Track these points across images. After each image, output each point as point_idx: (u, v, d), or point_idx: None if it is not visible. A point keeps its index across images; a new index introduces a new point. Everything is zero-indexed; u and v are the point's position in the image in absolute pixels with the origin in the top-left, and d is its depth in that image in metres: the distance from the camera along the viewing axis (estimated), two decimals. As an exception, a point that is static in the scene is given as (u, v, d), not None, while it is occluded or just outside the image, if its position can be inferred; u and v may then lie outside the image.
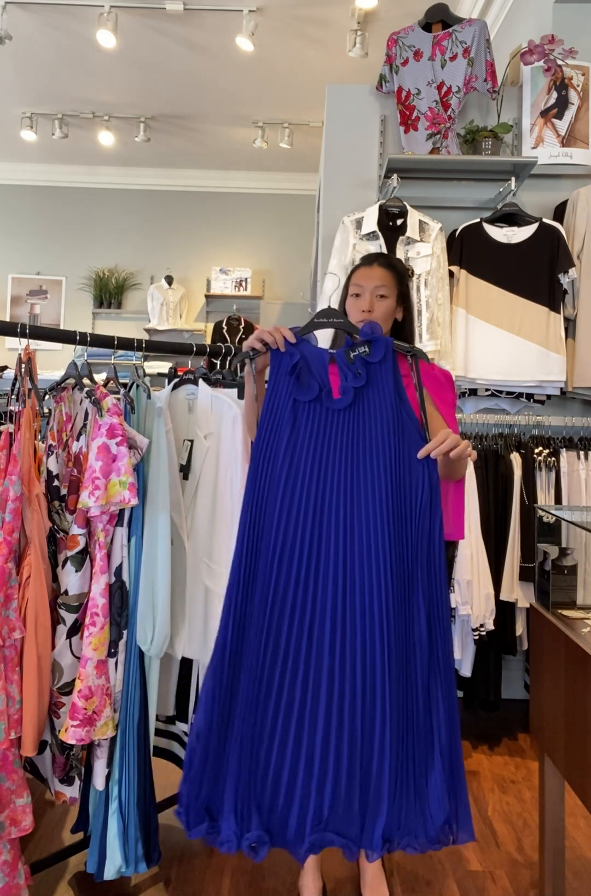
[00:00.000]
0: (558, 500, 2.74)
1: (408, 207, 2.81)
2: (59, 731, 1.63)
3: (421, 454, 1.39)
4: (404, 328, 1.83)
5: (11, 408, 1.68)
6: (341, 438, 1.43)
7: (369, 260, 1.82)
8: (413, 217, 2.80)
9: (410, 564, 1.40)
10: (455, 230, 2.89)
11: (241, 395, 1.92)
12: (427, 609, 1.39)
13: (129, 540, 1.72)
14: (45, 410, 1.89)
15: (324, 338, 1.95)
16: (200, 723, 1.42)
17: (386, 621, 1.35)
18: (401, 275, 1.82)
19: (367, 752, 1.33)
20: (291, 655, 1.38)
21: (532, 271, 2.79)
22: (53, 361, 5.47)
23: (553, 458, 2.75)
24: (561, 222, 2.89)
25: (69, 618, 1.65)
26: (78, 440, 1.74)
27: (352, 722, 1.33)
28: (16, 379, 1.68)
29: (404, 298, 1.81)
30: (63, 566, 1.67)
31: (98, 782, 1.70)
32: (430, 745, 1.36)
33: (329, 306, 1.56)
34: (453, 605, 2.59)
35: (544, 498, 2.76)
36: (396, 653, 1.35)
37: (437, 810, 1.33)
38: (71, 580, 1.65)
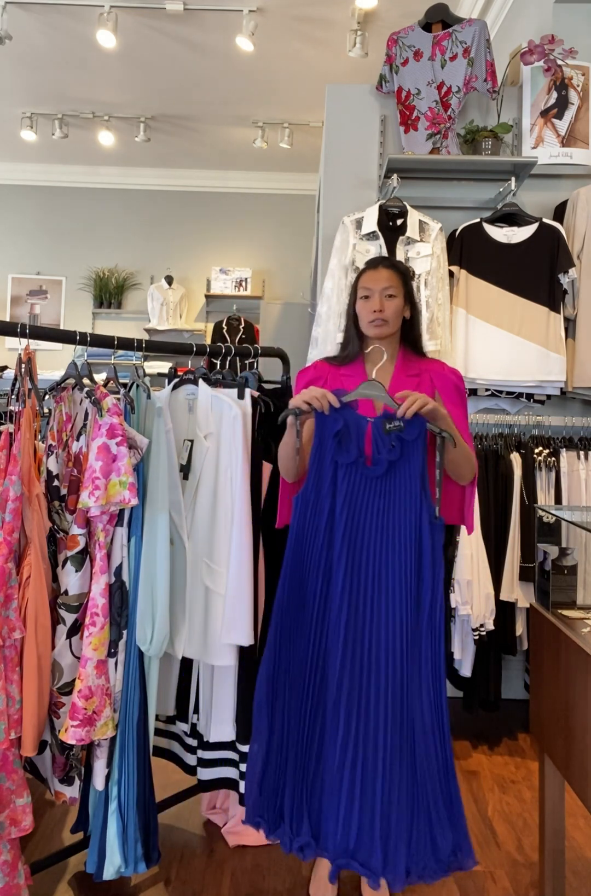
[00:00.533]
0: (558, 500, 2.73)
1: (408, 207, 2.81)
2: (59, 731, 1.63)
3: (400, 411, 1.58)
4: (412, 326, 1.86)
5: (11, 408, 1.68)
6: (374, 501, 1.63)
7: (373, 263, 1.86)
8: (413, 217, 2.80)
9: (420, 617, 1.60)
10: (455, 230, 2.89)
11: (241, 395, 1.92)
12: (433, 659, 1.58)
13: (129, 540, 1.72)
14: (45, 410, 1.89)
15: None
16: (261, 747, 1.64)
17: (405, 673, 1.56)
18: (405, 275, 1.86)
19: (388, 793, 1.52)
20: (319, 684, 1.60)
21: (532, 271, 2.79)
22: (53, 361, 5.47)
23: (553, 458, 2.75)
24: (561, 222, 2.89)
25: (69, 618, 1.65)
26: (78, 440, 1.74)
27: (376, 766, 1.53)
28: (16, 379, 1.68)
29: (410, 297, 1.85)
30: (63, 566, 1.67)
31: (98, 782, 1.70)
32: (435, 784, 1.54)
33: (373, 378, 1.70)
34: (453, 605, 2.59)
35: (544, 498, 2.76)
36: (410, 701, 1.55)
37: (443, 842, 1.52)
38: (71, 580, 1.65)
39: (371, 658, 1.57)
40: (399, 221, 2.81)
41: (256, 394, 2.00)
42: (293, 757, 1.61)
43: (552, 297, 2.78)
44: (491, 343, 2.78)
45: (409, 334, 1.85)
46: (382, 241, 2.77)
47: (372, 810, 1.51)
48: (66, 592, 1.65)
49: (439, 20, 3.08)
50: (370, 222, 2.80)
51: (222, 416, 1.88)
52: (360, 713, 1.56)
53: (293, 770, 1.60)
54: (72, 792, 1.71)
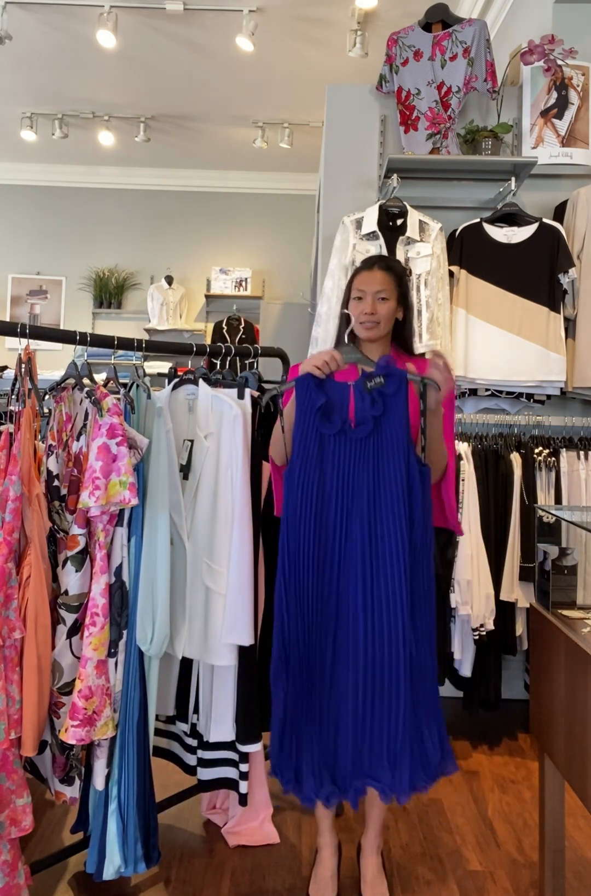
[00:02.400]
0: (558, 500, 2.73)
1: (408, 207, 2.81)
2: (60, 731, 1.63)
3: (441, 395, 1.66)
4: (404, 327, 1.86)
5: (11, 408, 1.68)
6: (363, 463, 1.66)
7: (369, 264, 1.85)
8: (413, 217, 2.80)
9: (416, 559, 1.67)
10: (455, 230, 2.89)
11: (241, 395, 1.92)
12: (427, 593, 1.69)
13: (129, 540, 1.72)
14: (45, 410, 1.89)
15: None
16: (279, 711, 1.72)
17: (404, 611, 1.61)
18: (400, 276, 1.86)
19: (394, 718, 1.63)
20: (329, 645, 1.67)
21: (532, 271, 2.79)
22: (53, 361, 5.47)
23: (553, 458, 2.75)
24: (561, 222, 2.89)
25: (69, 618, 1.65)
26: (78, 440, 1.74)
27: (383, 694, 1.63)
28: (16, 379, 1.68)
29: (403, 299, 1.84)
30: (63, 566, 1.67)
31: (98, 782, 1.70)
32: (428, 706, 1.69)
33: (346, 344, 1.76)
34: (453, 605, 2.59)
35: (544, 498, 2.76)
36: (411, 638, 1.62)
37: (433, 754, 1.68)
38: (71, 580, 1.65)
39: (380, 607, 1.63)
40: (399, 221, 2.81)
41: (257, 394, 2.00)
42: (308, 723, 1.70)
43: (552, 297, 2.77)
44: (491, 343, 2.78)
45: (400, 334, 1.86)
46: (382, 241, 2.77)
47: (380, 736, 1.63)
48: (66, 592, 1.65)
49: (439, 20, 3.08)
50: (370, 222, 2.80)
51: (222, 416, 1.88)
52: (374, 666, 1.63)
53: (309, 735, 1.69)
54: (72, 792, 1.71)
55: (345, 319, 1.86)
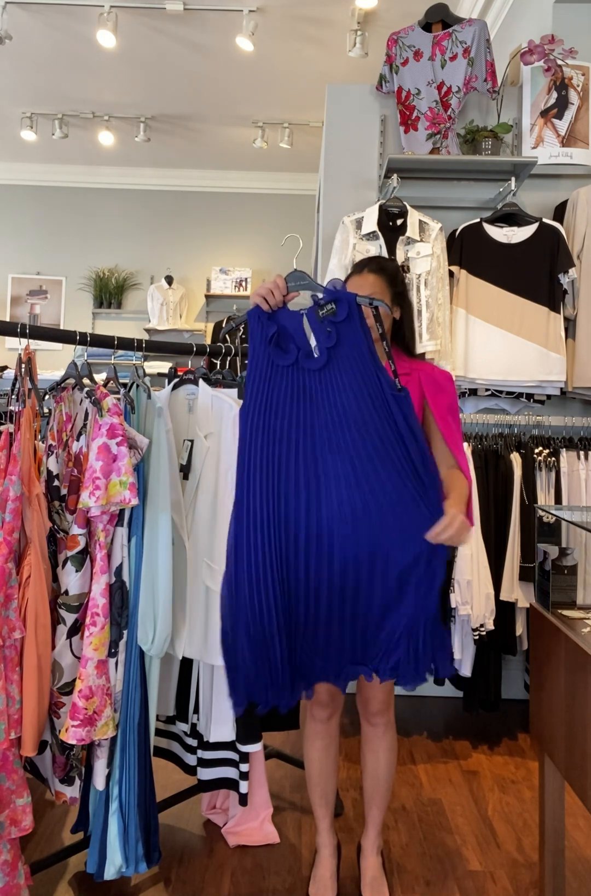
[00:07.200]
0: (558, 500, 2.73)
1: (408, 207, 2.81)
2: (60, 731, 1.63)
3: (430, 535, 1.48)
4: (402, 327, 1.83)
5: (11, 408, 1.68)
6: (322, 395, 1.53)
7: (359, 267, 1.82)
8: (413, 217, 2.80)
9: (423, 480, 1.52)
10: (455, 230, 2.89)
11: (241, 395, 1.92)
12: (421, 460, 1.52)
13: (129, 540, 1.72)
14: (45, 410, 1.89)
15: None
16: (230, 637, 1.56)
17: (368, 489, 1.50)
18: (393, 275, 1.82)
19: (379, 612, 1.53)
20: (288, 563, 1.53)
21: (532, 271, 2.79)
22: (53, 361, 5.47)
23: (553, 458, 2.75)
24: (561, 222, 2.89)
25: (69, 618, 1.65)
26: (78, 440, 1.74)
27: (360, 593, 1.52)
28: (16, 379, 1.68)
29: (400, 298, 1.81)
30: (63, 566, 1.67)
31: (98, 782, 1.70)
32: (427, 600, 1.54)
33: (295, 270, 1.62)
34: (453, 605, 2.59)
35: (544, 498, 2.76)
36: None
37: (425, 657, 1.56)
38: (71, 580, 1.65)
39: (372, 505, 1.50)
40: (399, 221, 2.81)
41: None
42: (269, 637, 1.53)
43: (552, 297, 2.78)
44: (491, 343, 2.78)
45: (398, 334, 1.81)
46: (382, 241, 2.77)
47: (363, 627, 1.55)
48: (66, 592, 1.65)
49: (439, 20, 3.09)
50: (370, 222, 2.80)
51: (222, 416, 1.88)
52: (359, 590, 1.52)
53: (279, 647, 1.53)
54: (72, 792, 1.71)
55: None
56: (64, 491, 1.72)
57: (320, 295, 1.57)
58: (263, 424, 1.54)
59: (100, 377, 2.01)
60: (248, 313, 1.59)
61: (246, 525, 1.54)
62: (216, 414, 1.90)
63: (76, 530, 1.65)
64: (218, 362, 2.14)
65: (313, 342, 1.55)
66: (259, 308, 1.57)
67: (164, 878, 1.90)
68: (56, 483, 1.72)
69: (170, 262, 6.67)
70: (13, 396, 1.69)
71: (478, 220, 2.86)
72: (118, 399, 1.73)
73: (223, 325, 6.32)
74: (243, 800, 1.95)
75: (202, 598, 1.87)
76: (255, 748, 1.93)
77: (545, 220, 2.83)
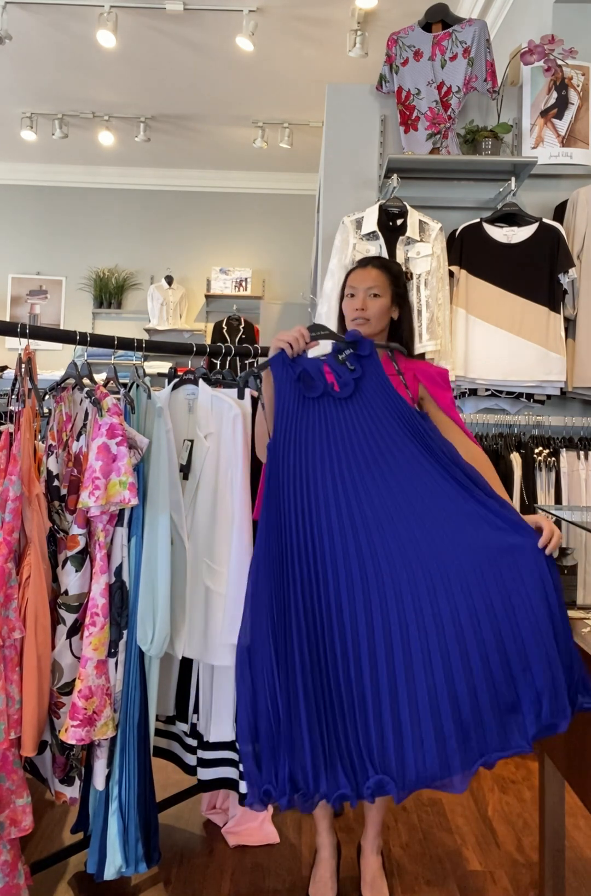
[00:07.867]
0: (558, 500, 2.74)
1: (408, 207, 2.81)
2: (60, 731, 1.63)
3: (543, 543, 1.46)
4: (401, 327, 1.85)
5: (11, 408, 1.68)
6: (353, 425, 1.58)
7: (364, 262, 1.86)
8: (413, 217, 2.80)
9: (468, 491, 1.52)
10: (455, 230, 2.89)
11: (241, 395, 1.92)
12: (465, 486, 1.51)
13: (129, 540, 1.72)
14: (45, 410, 1.89)
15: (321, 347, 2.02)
16: (256, 708, 1.46)
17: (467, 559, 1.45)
18: (397, 276, 1.85)
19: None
20: (346, 617, 1.44)
21: (532, 271, 2.78)
22: (53, 361, 5.47)
23: (553, 458, 2.75)
24: (561, 222, 2.89)
25: (69, 618, 1.65)
26: (78, 440, 1.74)
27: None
28: (16, 379, 1.68)
29: (400, 299, 1.84)
30: (63, 566, 1.67)
31: (98, 782, 1.70)
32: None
33: (314, 323, 1.77)
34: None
35: (544, 498, 2.76)
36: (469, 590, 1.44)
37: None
38: (71, 580, 1.65)
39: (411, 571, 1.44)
40: (399, 221, 2.81)
41: (256, 393, 2.00)
42: (305, 708, 1.41)
43: (552, 297, 2.77)
44: (491, 343, 2.78)
45: (396, 335, 1.84)
46: (382, 241, 2.77)
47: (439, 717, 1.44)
48: (66, 592, 1.65)
49: (439, 20, 3.08)
50: (370, 222, 2.80)
51: (222, 416, 1.88)
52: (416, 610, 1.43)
53: (317, 723, 1.41)
54: (72, 792, 1.71)
55: (340, 321, 1.88)
56: (64, 491, 1.72)
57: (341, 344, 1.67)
58: (295, 455, 1.56)
59: (100, 377, 2.01)
60: (270, 359, 1.64)
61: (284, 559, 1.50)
62: (216, 414, 1.90)
63: (76, 530, 1.65)
64: (218, 362, 2.14)
65: (334, 381, 1.64)
66: (283, 352, 1.63)
67: (164, 878, 1.90)
68: (56, 483, 1.72)
69: (170, 262, 6.67)
70: (13, 396, 1.69)
71: (478, 220, 2.86)
72: (118, 399, 1.73)
73: (224, 326, 6.33)
74: (243, 800, 1.95)
75: (202, 597, 1.87)
76: (255, 748, 1.92)
77: (545, 220, 2.83)
